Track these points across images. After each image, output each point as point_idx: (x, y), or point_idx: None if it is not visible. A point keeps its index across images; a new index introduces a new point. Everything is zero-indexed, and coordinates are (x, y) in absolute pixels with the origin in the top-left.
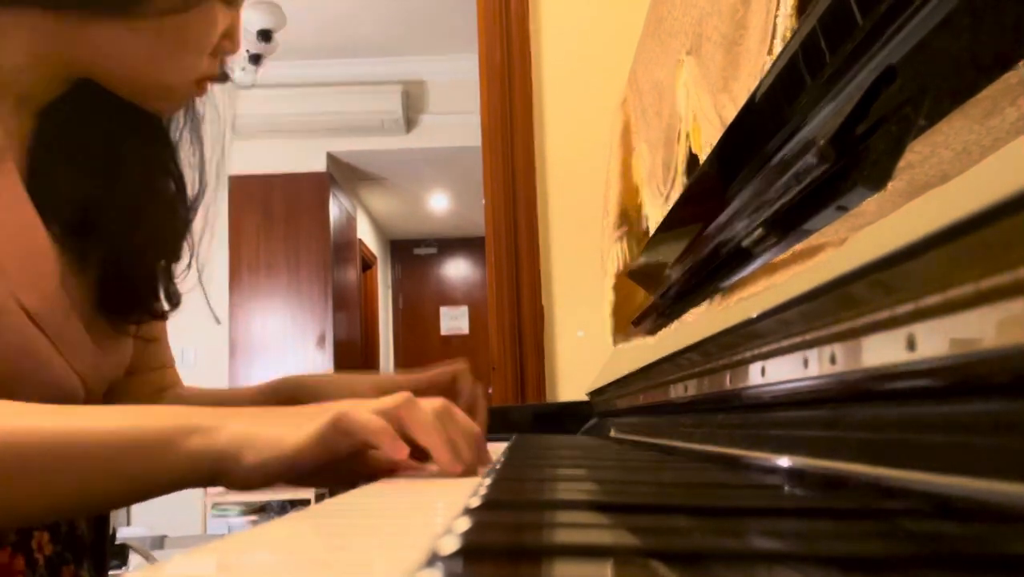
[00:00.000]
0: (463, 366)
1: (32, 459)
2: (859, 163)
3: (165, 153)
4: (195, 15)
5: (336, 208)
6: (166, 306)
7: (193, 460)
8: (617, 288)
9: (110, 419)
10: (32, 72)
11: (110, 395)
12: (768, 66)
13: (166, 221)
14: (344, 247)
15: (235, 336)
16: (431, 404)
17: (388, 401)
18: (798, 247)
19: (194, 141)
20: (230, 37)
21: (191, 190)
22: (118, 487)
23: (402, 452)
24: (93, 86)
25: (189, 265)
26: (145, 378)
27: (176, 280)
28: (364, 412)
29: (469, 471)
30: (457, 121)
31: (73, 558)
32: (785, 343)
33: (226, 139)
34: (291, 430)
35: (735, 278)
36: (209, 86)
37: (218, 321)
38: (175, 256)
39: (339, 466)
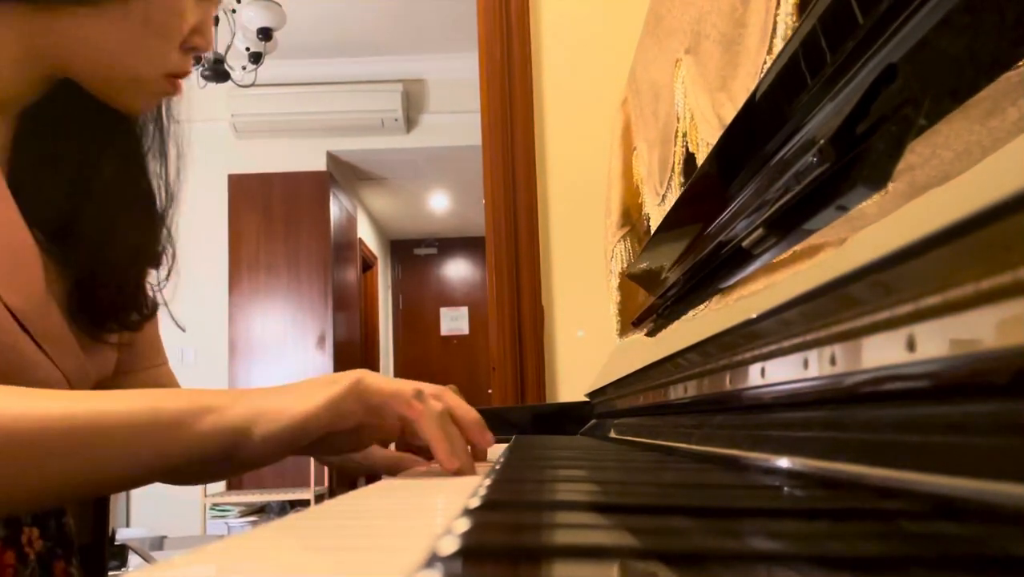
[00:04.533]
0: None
1: (46, 442)
2: (859, 163)
3: (138, 166)
4: (160, 0)
5: (336, 208)
6: (138, 317)
7: (207, 438)
8: (623, 287)
9: (124, 402)
10: (9, 71)
11: None
12: (768, 65)
13: (140, 232)
14: (344, 247)
15: (235, 336)
16: (430, 390)
17: (400, 384)
18: (798, 247)
19: (160, 155)
20: (201, 33)
21: (159, 204)
22: (133, 469)
23: (422, 417)
24: (71, 90)
25: (168, 276)
26: (137, 378)
27: (152, 290)
28: (382, 378)
29: (467, 468)
30: (457, 120)
31: (63, 554)
32: (785, 344)
33: (181, 159)
34: (300, 399)
35: (735, 279)
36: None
37: (182, 329)
38: (149, 265)
39: (343, 437)
